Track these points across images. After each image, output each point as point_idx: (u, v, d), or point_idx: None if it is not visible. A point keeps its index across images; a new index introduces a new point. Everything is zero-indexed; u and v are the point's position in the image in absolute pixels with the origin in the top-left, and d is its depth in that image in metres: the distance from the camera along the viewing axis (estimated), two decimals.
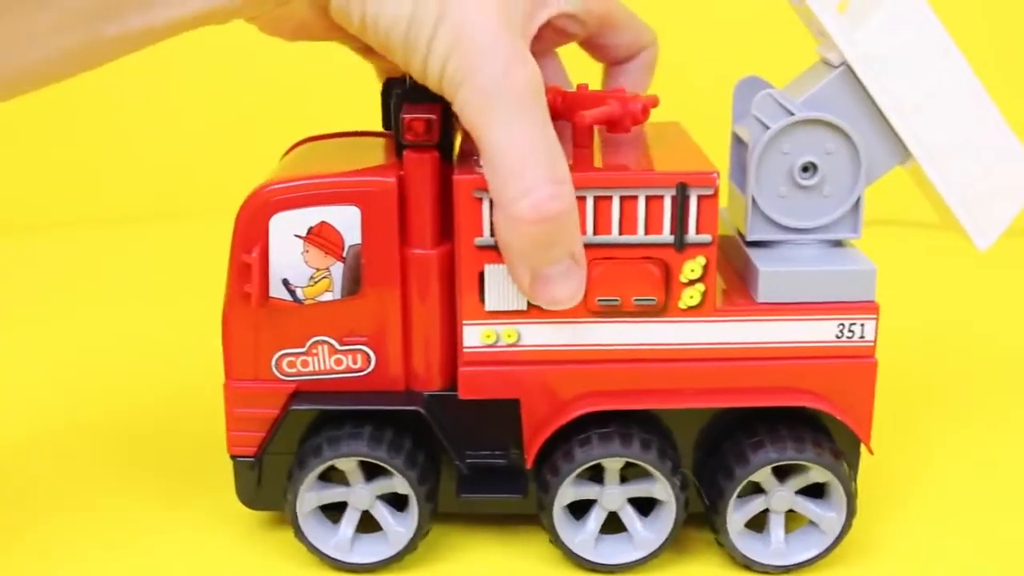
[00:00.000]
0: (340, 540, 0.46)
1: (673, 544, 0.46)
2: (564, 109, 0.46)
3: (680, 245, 0.43)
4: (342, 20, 0.41)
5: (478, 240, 0.43)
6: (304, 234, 0.44)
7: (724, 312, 0.44)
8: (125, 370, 0.66)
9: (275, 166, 0.47)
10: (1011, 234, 0.47)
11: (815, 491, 0.46)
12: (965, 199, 0.45)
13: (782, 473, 0.45)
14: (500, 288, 0.44)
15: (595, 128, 0.47)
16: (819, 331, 0.45)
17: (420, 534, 0.45)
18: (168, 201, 0.98)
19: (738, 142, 0.48)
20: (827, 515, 0.45)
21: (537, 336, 0.44)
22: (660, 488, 0.45)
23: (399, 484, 0.45)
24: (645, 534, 0.45)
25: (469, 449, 0.47)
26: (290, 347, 0.45)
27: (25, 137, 0.98)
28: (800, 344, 0.45)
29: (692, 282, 0.44)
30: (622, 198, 0.43)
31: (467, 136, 0.43)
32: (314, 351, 0.45)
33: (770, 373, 0.45)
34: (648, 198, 0.43)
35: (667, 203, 0.43)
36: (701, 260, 0.43)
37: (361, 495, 0.46)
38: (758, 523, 0.46)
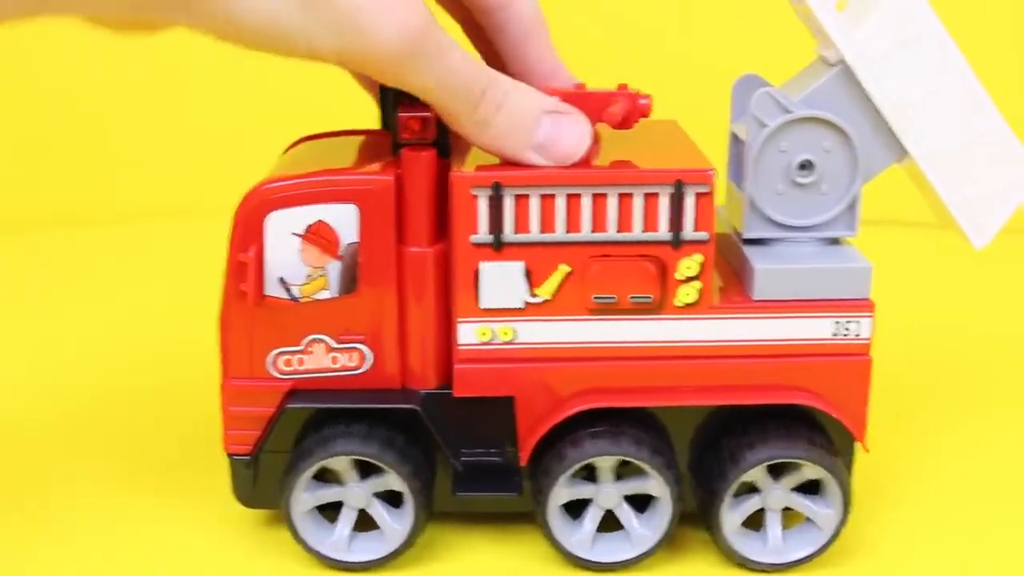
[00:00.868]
0: (337, 539, 0.46)
1: (669, 543, 0.46)
2: None
3: (676, 243, 0.43)
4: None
5: (474, 237, 0.43)
6: (301, 232, 0.44)
7: (720, 309, 0.44)
8: (125, 369, 0.66)
9: (273, 164, 0.47)
10: (1008, 232, 0.47)
11: (811, 489, 0.46)
12: (962, 198, 0.45)
13: (776, 471, 0.45)
14: (495, 286, 0.44)
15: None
16: (815, 329, 0.45)
17: (416, 532, 0.45)
18: (168, 201, 0.98)
19: (736, 140, 0.48)
20: (823, 512, 0.45)
21: (533, 334, 0.44)
22: (654, 484, 0.45)
23: (394, 481, 0.45)
24: (641, 531, 0.45)
25: (465, 447, 0.47)
26: (286, 345, 0.45)
27: (25, 137, 0.98)
28: (796, 342, 0.45)
29: (688, 279, 0.44)
30: (620, 195, 0.43)
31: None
32: (310, 349, 0.45)
33: (766, 371, 0.45)
34: (645, 196, 0.43)
35: (663, 201, 0.43)
36: (698, 258, 0.43)
37: (356, 494, 0.46)
38: (753, 522, 0.46)
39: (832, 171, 0.45)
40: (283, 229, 0.44)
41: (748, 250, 0.46)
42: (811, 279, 0.44)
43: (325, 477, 0.46)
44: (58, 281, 0.83)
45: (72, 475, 0.54)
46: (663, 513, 0.45)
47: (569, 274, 0.44)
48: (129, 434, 0.58)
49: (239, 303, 0.44)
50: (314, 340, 0.45)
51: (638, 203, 0.43)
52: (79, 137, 0.99)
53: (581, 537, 0.46)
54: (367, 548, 0.46)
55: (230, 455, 0.47)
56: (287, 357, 0.45)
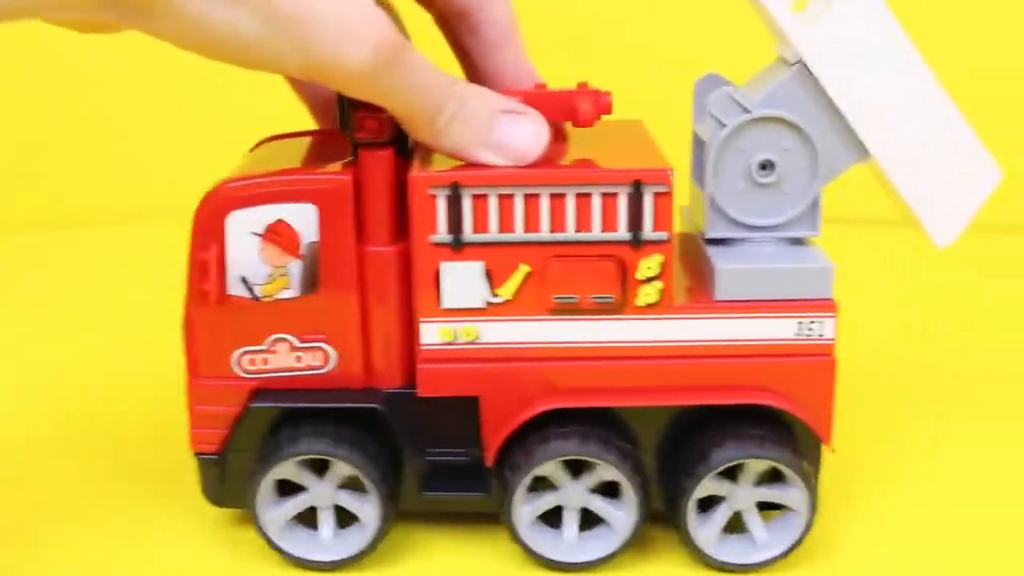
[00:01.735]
0: (313, 538, 0.46)
1: (638, 544, 0.46)
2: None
3: (636, 242, 0.43)
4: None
5: (433, 237, 0.43)
6: (261, 231, 0.44)
7: (682, 309, 0.44)
8: (124, 369, 0.67)
9: (236, 164, 0.48)
10: (971, 231, 0.46)
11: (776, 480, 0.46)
12: (924, 196, 0.45)
13: (734, 472, 0.45)
14: (457, 286, 0.44)
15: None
16: (777, 329, 0.44)
17: (386, 522, 0.46)
18: (168, 201, 0.94)
19: (698, 140, 0.48)
20: (792, 494, 0.45)
21: (496, 334, 0.45)
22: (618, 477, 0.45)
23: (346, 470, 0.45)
24: (617, 515, 0.45)
25: (431, 447, 0.47)
26: (250, 344, 0.45)
27: (25, 137, 0.98)
28: (759, 342, 0.45)
29: (649, 279, 0.44)
30: (577, 195, 0.43)
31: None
32: (274, 349, 0.45)
33: (729, 371, 0.45)
34: (603, 195, 0.43)
35: (622, 201, 0.43)
36: (658, 258, 0.43)
37: (323, 493, 0.46)
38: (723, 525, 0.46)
39: (793, 170, 0.45)
40: (243, 228, 0.44)
41: (711, 250, 0.46)
42: (773, 279, 0.44)
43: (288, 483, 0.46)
44: (59, 282, 0.83)
45: (60, 476, 0.54)
46: (630, 510, 0.45)
47: (529, 274, 0.44)
48: (120, 435, 0.58)
49: (202, 302, 0.45)
50: (277, 339, 0.45)
51: (596, 203, 0.43)
52: (79, 137, 0.99)
53: (561, 544, 0.46)
54: (342, 545, 0.46)
55: (197, 454, 0.47)
56: (251, 356, 0.45)
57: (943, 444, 0.56)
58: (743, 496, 0.45)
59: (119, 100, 0.99)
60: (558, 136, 0.47)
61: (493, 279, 0.44)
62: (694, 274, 0.47)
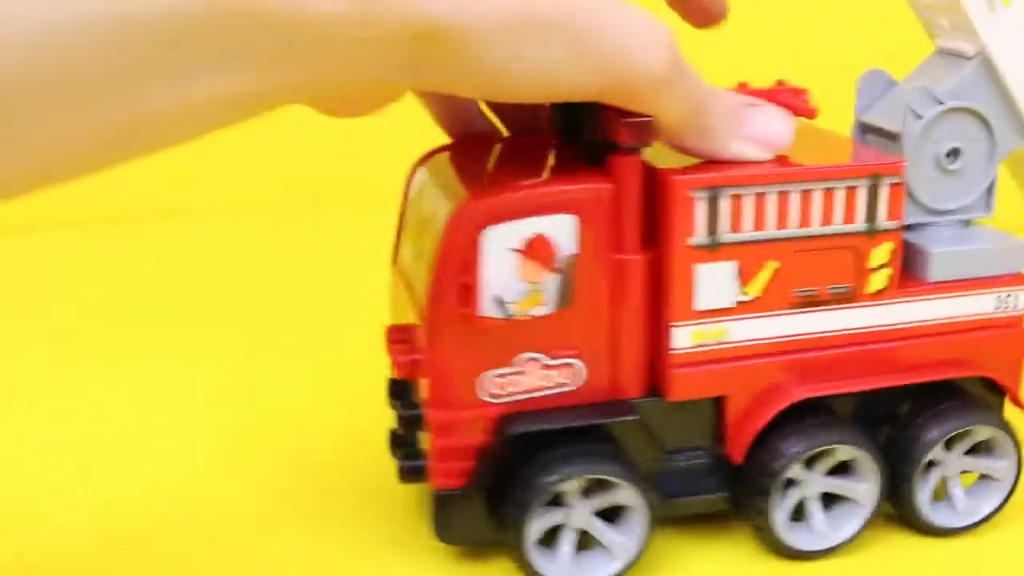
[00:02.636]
0: (562, 562, 0.44)
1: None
2: None
3: (871, 232, 0.45)
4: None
5: (690, 240, 0.43)
6: (518, 247, 0.42)
7: (904, 293, 0.47)
8: (125, 368, 0.66)
9: (426, 183, 0.45)
10: None
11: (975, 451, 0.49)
12: None
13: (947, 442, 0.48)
14: (711, 287, 0.44)
15: None
16: (981, 304, 0.48)
17: (646, 544, 0.45)
18: (168, 201, 0.97)
19: (865, 130, 0.51)
20: (999, 465, 0.48)
21: (743, 331, 0.45)
22: (860, 457, 0.46)
23: (622, 495, 0.44)
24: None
25: (672, 452, 0.46)
26: (499, 367, 0.43)
27: None
28: (967, 318, 0.48)
29: (880, 267, 0.46)
30: (824, 190, 0.44)
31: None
32: (524, 369, 0.43)
33: (942, 347, 0.47)
34: (846, 189, 0.44)
35: (861, 193, 0.45)
36: (888, 245, 0.46)
37: (581, 513, 0.44)
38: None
39: (974, 157, 0.49)
40: (500, 245, 0.42)
41: (908, 235, 0.48)
42: (978, 259, 0.47)
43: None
44: (60, 282, 0.83)
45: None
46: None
47: (777, 270, 0.45)
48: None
49: (452, 328, 0.42)
50: (528, 359, 0.43)
51: (839, 196, 0.44)
52: None
53: (812, 534, 0.46)
54: (592, 568, 0.45)
55: (440, 490, 0.44)
56: (500, 380, 0.43)
57: None
58: (954, 463, 0.48)
59: None
60: None
61: (743, 277, 0.44)
62: None
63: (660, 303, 0.44)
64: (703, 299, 0.44)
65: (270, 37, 0.31)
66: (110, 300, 0.79)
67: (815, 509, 0.47)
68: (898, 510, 0.48)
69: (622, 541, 0.45)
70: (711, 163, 0.44)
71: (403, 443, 0.48)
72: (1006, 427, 0.48)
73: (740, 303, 0.45)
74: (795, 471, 0.46)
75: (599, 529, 0.45)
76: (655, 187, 0.43)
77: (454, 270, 0.42)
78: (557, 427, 0.43)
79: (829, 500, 0.47)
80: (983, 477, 0.49)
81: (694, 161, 0.44)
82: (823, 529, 0.47)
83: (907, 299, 0.47)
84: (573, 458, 0.43)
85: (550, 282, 0.43)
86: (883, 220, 0.45)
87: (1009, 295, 0.48)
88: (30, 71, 0.27)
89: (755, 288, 0.45)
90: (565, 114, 0.46)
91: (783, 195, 0.44)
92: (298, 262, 0.86)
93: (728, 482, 0.47)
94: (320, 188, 1.02)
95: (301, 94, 0.34)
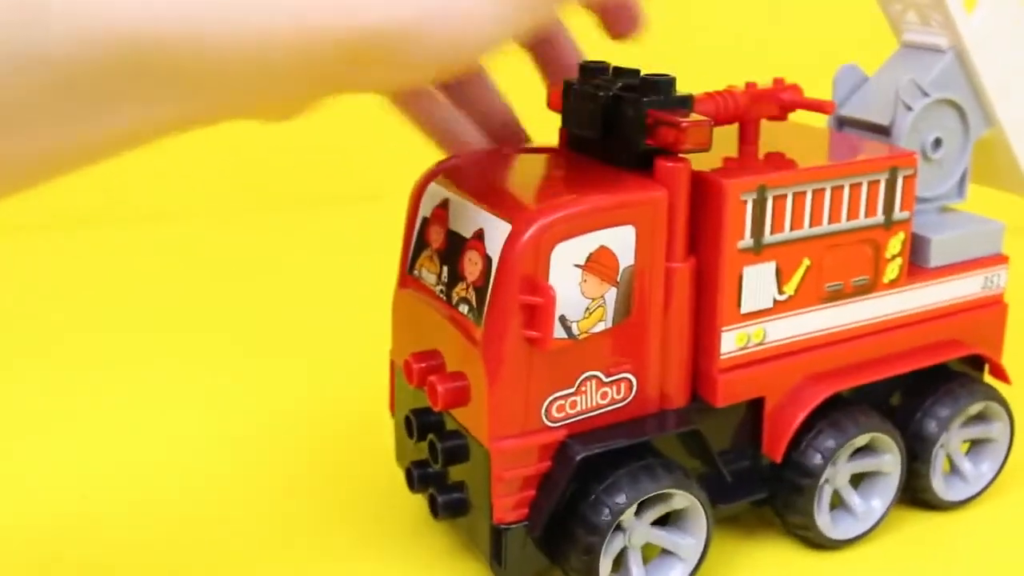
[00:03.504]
0: None
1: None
2: (749, 106, 0.47)
3: (888, 224, 0.46)
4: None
5: (740, 243, 0.43)
6: (583, 262, 0.40)
7: (913, 280, 0.48)
8: (125, 368, 0.65)
9: (451, 201, 0.42)
10: None
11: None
12: None
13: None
14: (754, 289, 0.44)
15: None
16: (972, 285, 0.50)
17: (710, 541, 0.44)
18: (169, 201, 0.96)
19: (840, 124, 0.52)
20: (995, 427, 0.51)
21: (779, 331, 0.45)
22: (888, 458, 0.47)
23: (678, 501, 0.43)
24: (866, 506, 0.48)
25: (721, 458, 0.46)
26: (561, 389, 0.41)
27: None
28: (960, 299, 0.50)
29: (894, 257, 0.47)
30: (851, 186, 0.45)
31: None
32: (583, 389, 0.41)
33: (940, 330, 0.49)
34: (870, 183, 0.45)
35: (881, 186, 0.46)
36: (901, 235, 0.47)
37: (641, 530, 0.43)
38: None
39: (951, 146, 0.51)
40: (567, 262, 0.39)
41: None
42: (969, 242, 0.50)
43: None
44: (61, 282, 0.81)
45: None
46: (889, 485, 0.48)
47: (809, 267, 0.45)
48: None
49: (513, 351, 0.39)
50: (588, 378, 0.41)
51: (864, 191, 0.45)
52: None
53: (824, 520, 0.47)
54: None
55: (504, 525, 0.41)
56: (560, 402, 0.41)
57: None
58: (953, 438, 0.50)
59: None
60: (754, 137, 0.47)
61: (782, 277, 0.44)
62: None
63: (706, 309, 0.43)
64: (747, 301, 0.44)
65: (187, 77, 0.29)
66: (110, 300, 0.77)
67: (848, 494, 0.48)
68: (915, 494, 0.50)
69: (689, 543, 0.44)
70: (752, 164, 0.43)
71: (431, 477, 0.45)
72: (997, 395, 0.50)
73: (777, 303, 0.44)
74: (830, 476, 0.47)
75: (663, 537, 0.43)
76: (702, 192, 0.42)
77: (516, 290, 0.39)
78: (624, 445, 0.42)
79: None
80: (975, 443, 0.52)
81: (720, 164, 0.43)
82: (861, 510, 0.47)
83: (914, 286, 0.48)
84: (638, 475, 0.42)
85: (610, 296, 0.41)
86: (898, 211, 0.46)
87: (994, 275, 0.51)
88: None
89: (791, 287, 0.45)
90: (605, 122, 0.43)
91: (817, 192, 0.44)
92: (298, 262, 0.85)
93: (767, 483, 0.47)
94: (320, 188, 1.00)
95: (229, 115, 0.32)
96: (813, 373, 0.46)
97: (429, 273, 0.44)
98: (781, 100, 0.47)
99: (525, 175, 0.44)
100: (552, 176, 0.44)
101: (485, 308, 0.40)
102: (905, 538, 0.48)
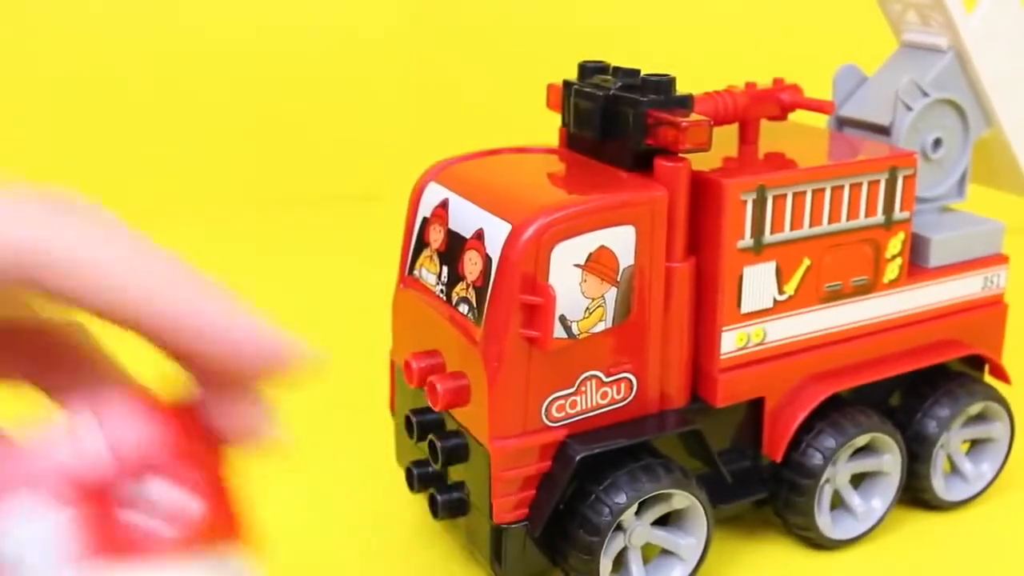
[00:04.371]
0: None
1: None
2: (749, 106, 0.47)
3: (888, 224, 0.46)
4: None
5: (740, 243, 0.43)
6: (583, 262, 0.40)
7: (912, 280, 0.48)
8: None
9: (451, 200, 0.42)
10: None
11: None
12: None
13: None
14: (754, 289, 0.44)
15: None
16: (971, 285, 0.50)
17: (711, 541, 0.44)
18: (169, 200, 0.94)
19: (840, 124, 0.52)
20: (996, 427, 0.51)
21: (779, 331, 0.45)
22: (888, 458, 0.47)
23: (678, 501, 0.43)
24: (868, 505, 0.48)
25: (721, 458, 0.46)
26: (561, 389, 0.41)
27: (27, 136, 0.93)
28: (959, 299, 0.50)
29: (894, 257, 0.47)
30: (851, 185, 0.45)
31: None
32: (583, 388, 0.41)
33: (941, 330, 0.49)
34: (870, 183, 0.45)
35: (881, 186, 0.46)
36: (901, 236, 0.47)
37: (641, 530, 0.43)
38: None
39: (951, 146, 0.51)
40: (567, 261, 0.39)
41: None
42: (969, 243, 0.50)
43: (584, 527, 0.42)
44: None
45: None
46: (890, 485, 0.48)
47: (809, 267, 0.45)
48: None
49: (513, 351, 0.39)
50: (588, 377, 0.41)
51: (864, 191, 0.45)
52: (81, 137, 0.95)
53: (826, 520, 0.47)
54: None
55: (504, 525, 0.41)
56: (560, 402, 0.41)
57: None
58: (954, 439, 0.50)
59: (122, 100, 0.96)
60: (754, 137, 0.47)
61: (782, 277, 0.44)
62: None
63: (706, 309, 0.43)
64: (747, 301, 0.44)
65: None
66: None
67: (848, 494, 0.48)
68: (915, 494, 0.50)
69: (690, 543, 0.44)
70: (752, 164, 0.43)
71: (431, 477, 0.45)
72: (997, 395, 0.50)
73: (777, 302, 0.44)
74: (832, 478, 0.47)
75: (663, 538, 0.43)
76: (702, 192, 0.42)
77: (516, 290, 0.39)
78: (624, 445, 0.42)
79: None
80: (975, 443, 0.52)
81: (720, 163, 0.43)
82: (862, 510, 0.47)
83: (914, 286, 0.48)
84: (638, 475, 0.42)
85: (610, 296, 0.41)
86: (899, 211, 0.46)
87: (993, 274, 0.51)
88: None
89: (791, 287, 0.45)
90: (604, 122, 0.43)
91: (817, 192, 0.44)
92: (298, 262, 0.84)
93: (768, 483, 0.46)
94: (320, 188, 0.99)
95: None
96: (813, 373, 0.46)
97: (429, 273, 0.44)
98: (781, 100, 0.47)
99: (525, 175, 0.44)
100: (552, 176, 0.44)
101: (485, 308, 0.40)
102: (905, 538, 0.48)
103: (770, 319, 0.44)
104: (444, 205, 0.44)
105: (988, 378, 0.52)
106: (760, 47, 0.96)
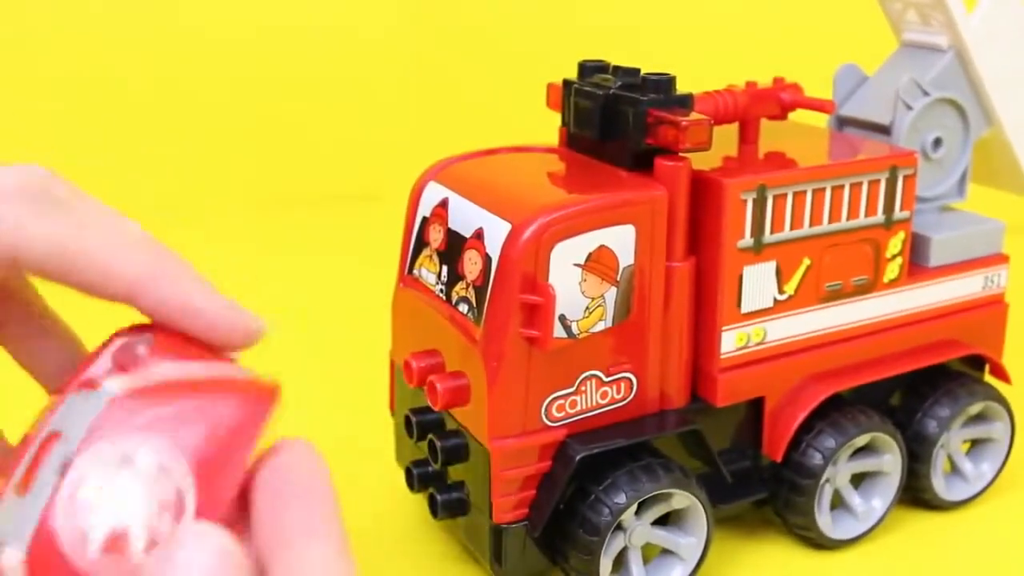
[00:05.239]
0: None
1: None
2: (749, 105, 0.47)
3: (888, 223, 0.46)
4: None
5: (740, 243, 0.43)
6: (583, 262, 0.40)
7: (913, 280, 0.48)
8: None
9: (451, 199, 0.42)
10: None
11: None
12: None
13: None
14: (754, 289, 0.44)
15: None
16: (972, 285, 0.50)
17: (711, 541, 0.44)
18: (168, 199, 0.94)
19: (841, 124, 0.52)
20: (996, 427, 0.51)
21: (779, 330, 0.45)
22: (888, 458, 0.47)
23: (678, 500, 0.43)
24: (867, 506, 0.48)
25: (722, 458, 0.46)
26: (561, 388, 0.41)
27: (27, 136, 0.92)
28: (960, 299, 0.50)
29: (894, 256, 0.47)
30: (851, 185, 0.45)
31: None
32: (582, 389, 0.41)
33: (941, 330, 0.49)
34: (870, 182, 0.45)
35: (882, 186, 0.45)
36: (901, 235, 0.47)
37: (641, 530, 0.43)
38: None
39: (951, 145, 0.51)
40: (567, 261, 0.39)
41: None
42: (970, 242, 0.50)
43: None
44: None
45: None
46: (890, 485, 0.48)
47: (809, 267, 0.45)
48: None
49: (513, 350, 0.39)
50: (587, 377, 0.41)
51: (864, 190, 0.45)
52: (82, 137, 0.94)
53: (825, 519, 0.47)
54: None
55: (503, 525, 0.41)
56: (560, 402, 0.41)
57: None
58: (954, 439, 0.50)
59: (122, 100, 0.96)
60: (754, 137, 0.47)
61: (782, 276, 0.44)
62: None
63: (706, 308, 0.43)
64: (747, 301, 0.44)
65: None
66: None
67: (848, 494, 0.48)
68: (915, 494, 0.50)
69: (690, 543, 0.44)
70: (752, 164, 0.43)
71: (431, 476, 0.45)
72: (997, 395, 0.50)
73: (777, 302, 0.44)
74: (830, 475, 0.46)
75: (663, 537, 0.43)
76: (702, 191, 0.42)
77: (516, 289, 0.39)
78: (624, 445, 0.42)
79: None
80: (976, 443, 0.52)
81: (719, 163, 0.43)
82: (862, 510, 0.47)
83: (914, 285, 0.48)
84: (637, 474, 0.42)
85: (610, 296, 0.41)
86: (899, 211, 0.46)
87: (994, 274, 0.50)
88: None
89: (791, 286, 0.45)
90: (604, 121, 0.43)
91: (817, 192, 0.44)
92: (298, 261, 0.84)
93: (768, 483, 0.46)
94: (320, 188, 0.99)
95: None
96: (813, 373, 0.46)
97: (429, 272, 0.44)
98: (781, 99, 0.47)
99: (525, 175, 0.44)
100: (552, 175, 0.44)
101: (485, 307, 0.40)
102: (905, 538, 0.48)
103: (770, 319, 0.44)
104: (444, 204, 0.44)
105: (988, 378, 0.52)
106: (760, 47, 0.96)
